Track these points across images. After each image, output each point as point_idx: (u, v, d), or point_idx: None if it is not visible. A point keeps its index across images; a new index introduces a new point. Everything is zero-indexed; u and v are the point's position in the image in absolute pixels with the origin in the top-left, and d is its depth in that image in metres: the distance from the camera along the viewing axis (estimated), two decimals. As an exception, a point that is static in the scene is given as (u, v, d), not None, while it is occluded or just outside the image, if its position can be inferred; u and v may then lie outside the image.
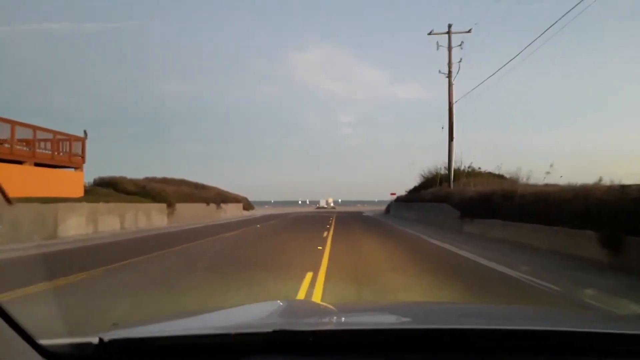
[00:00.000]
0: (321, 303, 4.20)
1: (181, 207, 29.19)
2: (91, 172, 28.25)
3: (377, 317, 2.11)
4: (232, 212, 41.50)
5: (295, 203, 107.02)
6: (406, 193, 38.59)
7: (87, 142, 23.22)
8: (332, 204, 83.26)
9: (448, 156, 26.79)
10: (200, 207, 33.53)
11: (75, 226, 17.52)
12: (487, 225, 16.99)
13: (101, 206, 19.92)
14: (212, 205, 36.42)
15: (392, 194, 46.05)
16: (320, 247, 12.80)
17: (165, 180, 37.94)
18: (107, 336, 1.28)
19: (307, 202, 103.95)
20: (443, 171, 31.55)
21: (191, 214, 30.23)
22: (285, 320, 1.86)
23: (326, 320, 1.97)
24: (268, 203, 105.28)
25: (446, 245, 14.08)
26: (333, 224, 26.87)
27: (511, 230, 14.70)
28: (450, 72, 27.17)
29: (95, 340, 1.26)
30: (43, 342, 1.19)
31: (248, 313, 2.07)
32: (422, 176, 35.83)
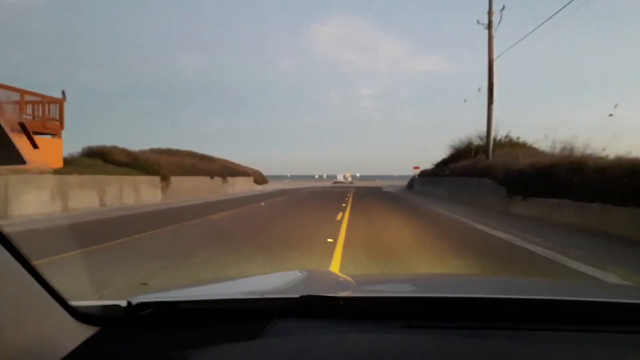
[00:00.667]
0: (341, 274, 3.48)
1: (179, 181, 25.96)
2: (99, 143, 25.16)
3: (406, 286, 1.99)
4: (240, 186, 38.35)
5: (312, 177, 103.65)
6: (433, 166, 34.54)
7: (66, 105, 20.15)
8: (350, 179, 79.39)
9: (487, 122, 22.71)
10: (203, 180, 30.30)
11: (35, 203, 14.36)
12: (548, 206, 13.24)
13: (73, 179, 16.70)
14: (218, 179, 33.23)
15: (416, 167, 41.81)
16: (331, 240, 9.00)
17: (169, 152, 35.14)
18: (136, 299, 1.22)
19: (324, 177, 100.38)
20: (477, 141, 27.59)
21: (191, 189, 26.98)
22: (309, 287, 1.70)
23: (351, 287, 1.85)
24: (285, 177, 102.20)
25: (501, 234, 10.43)
26: (350, 202, 23.21)
27: (592, 215, 10.93)
28: (490, 22, 22.88)
29: (123, 303, 1.19)
30: (74, 303, 1.13)
31: (270, 281, 1.98)
32: (453, 147, 31.72)
